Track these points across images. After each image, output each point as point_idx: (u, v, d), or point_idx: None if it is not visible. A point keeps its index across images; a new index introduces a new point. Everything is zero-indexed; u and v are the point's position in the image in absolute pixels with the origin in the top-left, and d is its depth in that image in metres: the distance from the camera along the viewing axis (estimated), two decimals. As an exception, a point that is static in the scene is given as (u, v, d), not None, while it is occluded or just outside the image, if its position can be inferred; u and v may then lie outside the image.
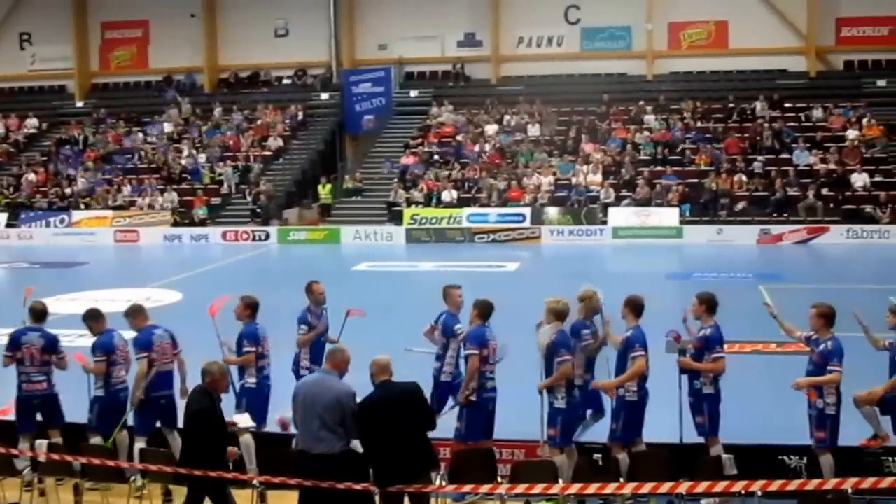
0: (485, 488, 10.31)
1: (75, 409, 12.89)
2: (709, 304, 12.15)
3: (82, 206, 44.13)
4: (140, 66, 53.61)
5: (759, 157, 41.69)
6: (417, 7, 49.41)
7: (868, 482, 9.71)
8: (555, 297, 12.13)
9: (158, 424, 12.48)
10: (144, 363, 12.24)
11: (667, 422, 12.42)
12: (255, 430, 12.22)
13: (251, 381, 12.87)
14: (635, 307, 11.98)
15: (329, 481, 9.46)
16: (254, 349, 12.83)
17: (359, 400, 9.72)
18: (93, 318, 12.81)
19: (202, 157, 46.62)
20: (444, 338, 13.06)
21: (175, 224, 42.85)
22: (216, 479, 9.78)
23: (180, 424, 11.03)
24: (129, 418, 12.45)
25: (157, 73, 53.19)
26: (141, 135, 49.31)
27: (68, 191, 45.14)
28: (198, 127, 49.26)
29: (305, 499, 9.91)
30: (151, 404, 12.32)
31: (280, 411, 11.29)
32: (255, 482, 10.81)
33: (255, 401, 12.70)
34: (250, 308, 13.18)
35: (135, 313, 12.73)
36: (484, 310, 12.33)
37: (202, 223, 42.78)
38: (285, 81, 52.34)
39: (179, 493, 11.51)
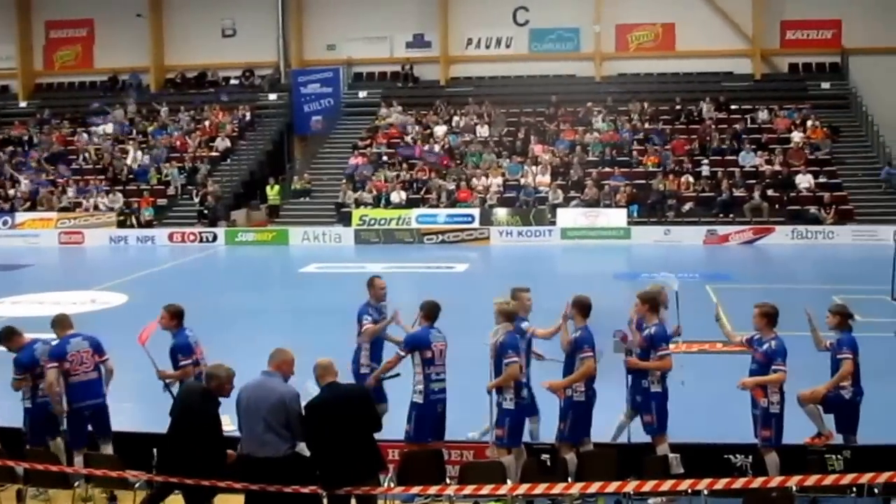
0: (433, 490, 10.31)
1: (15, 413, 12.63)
2: (652, 304, 12.24)
3: (20, 208, 43.55)
4: (85, 65, 53.08)
5: (706, 159, 42.03)
6: (366, 8, 49.31)
7: (812, 480, 9.81)
8: (504, 298, 12.16)
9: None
10: (52, 373, 11.71)
11: (615, 422, 12.49)
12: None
13: None
14: (583, 307, 12.01)
15: (275, 485, 9.42)
16: (190, 360, 12.45)
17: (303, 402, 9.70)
18: (6, 339, 12.22)
19: (148, 158, 46.20)
20: None
21: (121, 225, 42.43)
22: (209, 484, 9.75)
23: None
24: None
25: (102, 73, 52.70)
26: (86, 135, 48.77)
27: (12, 192, 44.59)
28: (144, 127, 48.81)
29: (251, 503, 9.85)
30: (76, 416, 11.94)
31: (228, 415, 11.14)
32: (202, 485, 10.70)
33: None
34: (177, 317, 12.79)
35: (59, 323, 12.24)
36: (430, 311, 12.26)
37: (148, 225, 42.40)
38: (233, 82, 52.04)
39: (125, 498, 11.41)
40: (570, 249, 38.34)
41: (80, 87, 53.70)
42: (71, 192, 44.18)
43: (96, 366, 12.12)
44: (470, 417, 12.80)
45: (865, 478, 9.87)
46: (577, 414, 11.76)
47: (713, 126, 43.64)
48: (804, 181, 40.16)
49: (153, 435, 11.71)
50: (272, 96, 50.48)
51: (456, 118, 46.91)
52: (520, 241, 39.40)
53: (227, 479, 9.77)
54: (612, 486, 9.80)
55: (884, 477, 9.65)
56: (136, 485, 10.98)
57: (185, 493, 10.02)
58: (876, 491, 10.40)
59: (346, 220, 41.22)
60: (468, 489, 10.05)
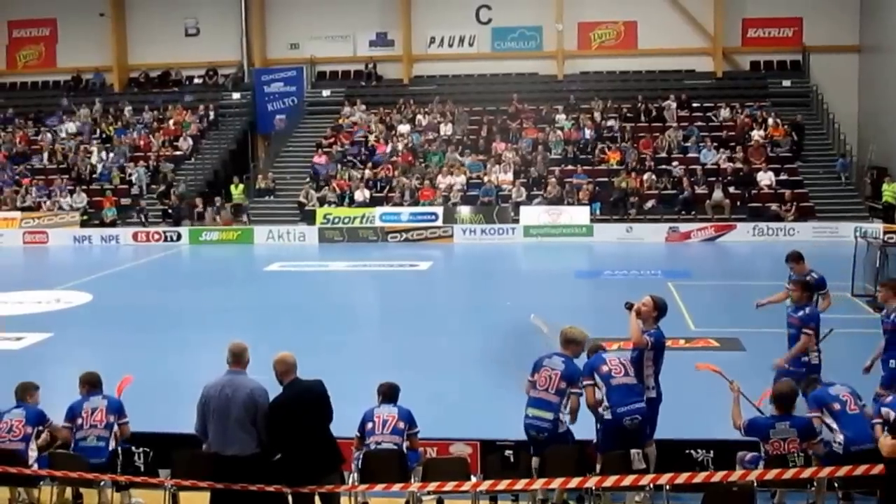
0: (397, 487, 10.36)
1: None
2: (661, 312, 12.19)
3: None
4: (48, 65, 52.77)
5: (668, 156, 42.29)
6: (329, 6, 49.29)
7: (772, 474, 9.94)
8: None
9: None
10: None
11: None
12: None
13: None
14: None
15: (243, 483, 9.45)
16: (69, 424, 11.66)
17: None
18: None
19: (111, 158, 46.01)
20: None
21: (83, 225, 42.22)
22: None
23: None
24: None
25: (65, 73, 52.37)
26: (49, 135, 48.48)
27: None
28: (107, 126, 48.53)
29: (217, 501, 9.87)
30: None
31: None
32: (166, 484, 10.75)
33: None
34: (84, 384, 11.95)
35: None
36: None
37: (112, 224, 42.20)
38: (196, 81, 51.85)
39: (91, 497, 11.40)
40: (532, 247, 38.46)
41: (44, 86, 53.38)
42: (34, 191, 43.92)
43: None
44: (432, 415, 12.83)
45: (825, 472, 10.02)
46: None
47: (675, 124, 43.86)
48: (765, 178, 40.43)
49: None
50: (235, 95, 50.34)
51: (419, 117, 46.95)
52: (483, 240, 39.48)
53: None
54: (574, 482, 9.90)
55: (843, 471, 9.79)
56: (101, 484, 10.98)
57: None
58: (836, 485, 10.53)
59: (309, 218, 41.16)
60: (431, 486, 10.12)
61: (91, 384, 11.75)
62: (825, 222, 38.52)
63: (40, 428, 11.52)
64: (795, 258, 15.09)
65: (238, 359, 9.91)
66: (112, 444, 11.41)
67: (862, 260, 24.62)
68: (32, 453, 11.33)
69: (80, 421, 11.46)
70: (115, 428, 11.46)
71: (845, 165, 41.57)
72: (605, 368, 11.21)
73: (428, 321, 23.65)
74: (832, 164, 41.95)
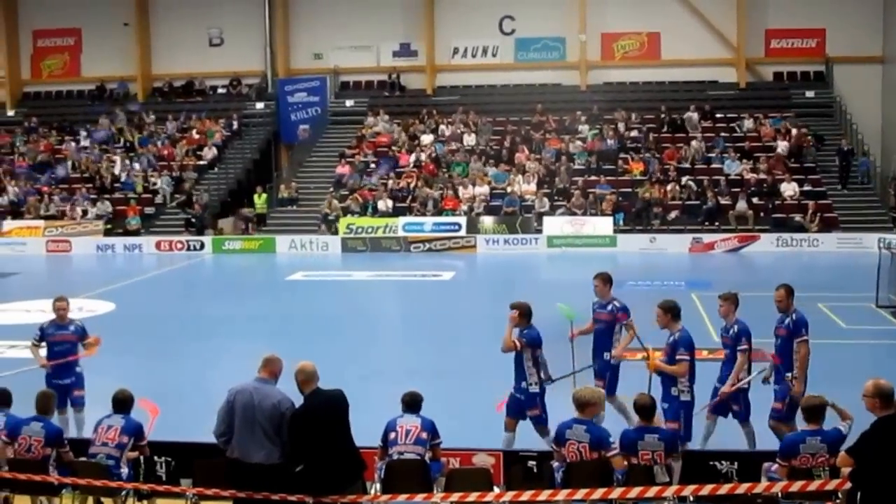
0: (419, 497, 10.33)
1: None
2: (674, 313, 12.47)
3: (9, 217, 43.44)
4: (72, 74, 53.09)
5: (692, 167, 42.18)
6: (352, 16, 49.38)
7: (797, 486, 9.86)
8: None
9: None
10: None
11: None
12: None
13: None
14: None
15: (264, 491, 9.43)
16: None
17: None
18: None
19: (136, 167, 46.19)
20: None
21: (108, 234, 42.39)
22: None
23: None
24: None
25: (89, 82, 52.64)
26: (73, 144, 48.71)
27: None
28: (131, 136, 48.73)
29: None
30: None
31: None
32: (188, 493, 10.72)
33: None
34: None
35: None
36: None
37: (135, 233, 42.33)
38: (220, 91, 52.02)
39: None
40: (556, 257, 38.40)
41: (68, 95, 53.64)
42: (57, 200, 44.08)
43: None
44: (457, 425, 12.78)
45: (850, 484, 9.94)
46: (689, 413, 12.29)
47: (699, 135, 43.77)
48: (788, 189, 40.28)
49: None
50: (259, 105, 50.47)
51: (442, 127, 46.95)
52: (506, 250, 39.45)
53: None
54: (598, 493, 9.85)
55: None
56: (123, 493, 10.97)
57: None
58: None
59: (332, 228, 41.18)
60: (454, 497, 10.08)
61: (115, 402, 11.50)
62: (849, 233, 38.39)
63: (61, 450, 11.25)
64: (604, 279, 14.34)
65: (269, 367, 9.87)
66: (124, 468, 11.14)
67: (886, 270, 24.43)
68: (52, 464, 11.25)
69: (93, 436, 11.34)
70: (128, 449, 11.20)
71: (867, 166, 41.41)
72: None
73: (451, 331, 23.64)
74: (855, 175, 41.75)
